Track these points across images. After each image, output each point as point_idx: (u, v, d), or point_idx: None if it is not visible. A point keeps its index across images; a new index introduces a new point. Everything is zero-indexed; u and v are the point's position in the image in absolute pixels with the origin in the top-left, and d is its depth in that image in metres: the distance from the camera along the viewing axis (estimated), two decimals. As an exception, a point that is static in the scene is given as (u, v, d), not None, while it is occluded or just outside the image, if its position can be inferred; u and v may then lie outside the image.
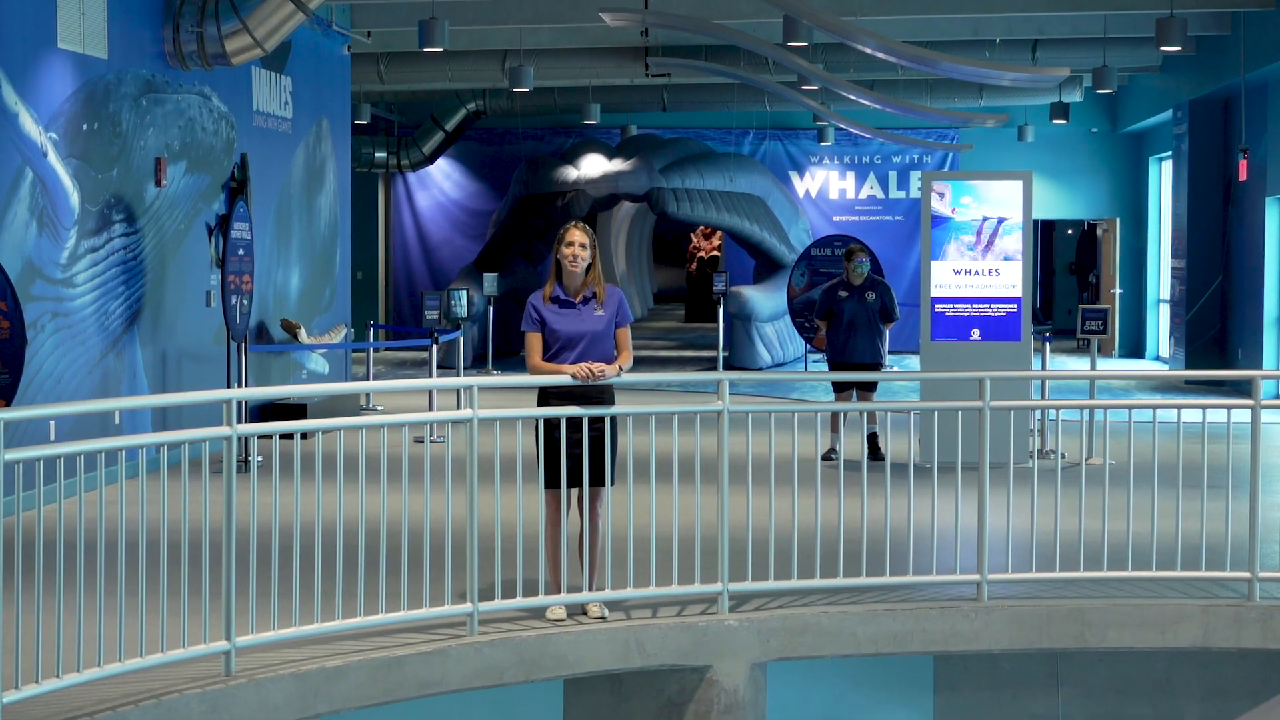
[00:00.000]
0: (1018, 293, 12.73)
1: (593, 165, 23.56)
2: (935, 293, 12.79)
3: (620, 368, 7.29)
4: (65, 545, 5.73)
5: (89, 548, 5.92)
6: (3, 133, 10.12)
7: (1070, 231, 33.31)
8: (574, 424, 7.24)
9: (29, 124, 10.42)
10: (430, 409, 13.93)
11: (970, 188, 12.76)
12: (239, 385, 12.36)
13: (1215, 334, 21.24)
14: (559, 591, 7.27)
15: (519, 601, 7.13)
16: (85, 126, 11.22)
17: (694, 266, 38.13)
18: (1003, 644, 7.56)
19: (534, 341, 7.35)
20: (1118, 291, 26.63)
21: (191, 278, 13.25)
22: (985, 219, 12.63)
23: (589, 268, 7.38)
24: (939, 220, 12.71)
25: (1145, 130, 26.14)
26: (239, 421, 6.29)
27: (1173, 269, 22.88)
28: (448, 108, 26.01)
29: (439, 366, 16.47)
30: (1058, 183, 27.02)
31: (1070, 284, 32.88)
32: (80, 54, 11.17)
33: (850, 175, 27.49)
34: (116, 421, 11.36)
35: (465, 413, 7.00)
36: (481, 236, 26.90)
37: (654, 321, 36.22)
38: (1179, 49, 16.43)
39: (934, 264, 12.77)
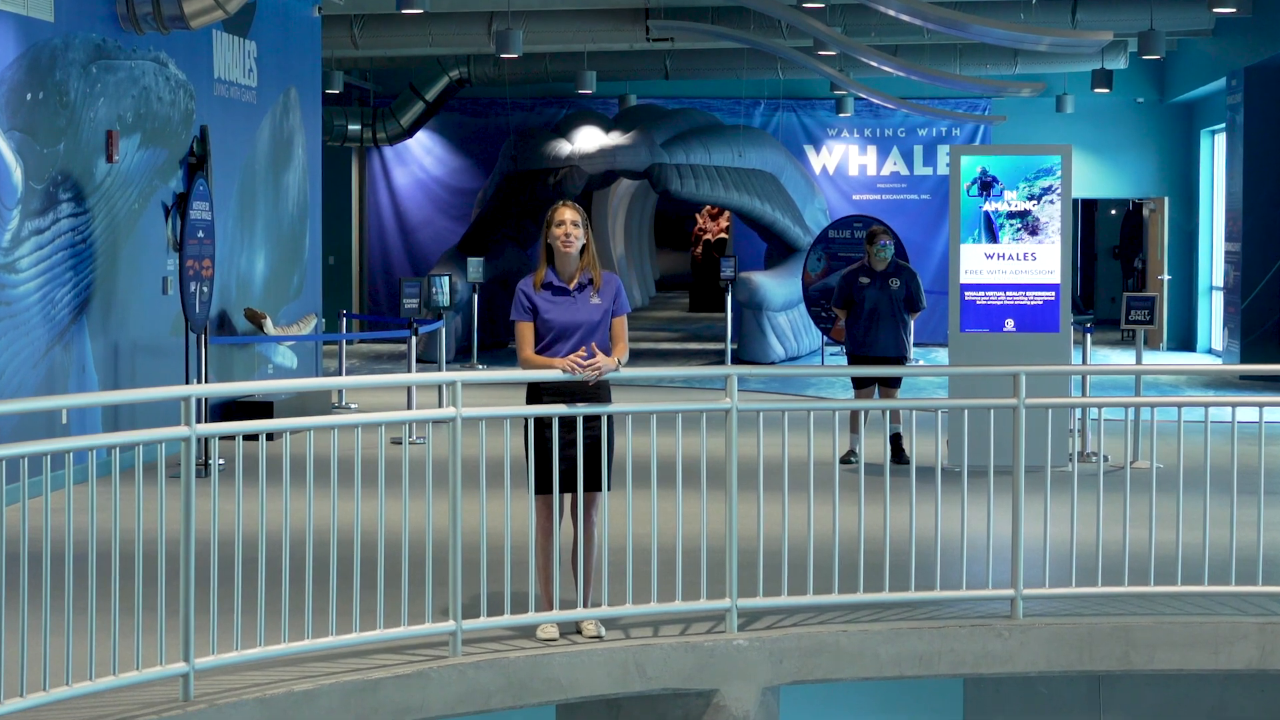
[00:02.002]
0: (1056, 279, 12.72)
1: (588, 139, 23.55)
2: (965, 279, 12.78)
3: (618, 361, 7.29)
4: (7, 557, 5.73)
5: (34, 559, 5.91)
6: (-62, 103, 10.12)
7: (1114, 212, 33.31)
8: (567, 423, 7.23)
9: (-33, 93, 10.41)
10: (409, 407, 13.93)
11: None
12: (198, 381, 12.36)
13: (1273, 324, 21.23)
14: (551, 608, 7.27)
15: (507, 619, 7.12)
16: (29, 96, 11.21)
17: (699, 250, 38.14)
18: (1039, 666, 7.56)
19: (525, 332, 7.35)
20: (1166, 278, 26.61)
21: (146, 263, 13.25)
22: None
23: (583, 250, 7.38)
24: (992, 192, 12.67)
25: (1196, 100, 26.13)
26: (198, 421, 6.28)
27: (1226, 253, 22.88)
28: (428, 76, 26.01)
29: (419, 360, 16.46)
30: (1100, 158, 27.02)
31: (1114, 269, 32.88)
32: (23, 16, 11.15)
33: (871, 150, 27.49)
34: (64, 421, 11.35)
35: (448, 411, 6.99)
36: (465, 217, 26.91)
37: (656, 311, 36.23)
38: (1233, 10, 16.43)
39: (964, 247, 12.76)
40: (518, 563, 7.33)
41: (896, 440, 12.51)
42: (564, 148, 23.53)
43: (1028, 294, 12.73)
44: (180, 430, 6.23)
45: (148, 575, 6.16)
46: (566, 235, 7.33)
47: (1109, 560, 7.81)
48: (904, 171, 27.40)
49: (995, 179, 12.68)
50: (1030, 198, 12.65)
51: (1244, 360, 21.12)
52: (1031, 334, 12.68)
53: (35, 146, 11.30)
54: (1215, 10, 16.26)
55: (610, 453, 7.35)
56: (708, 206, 36.49)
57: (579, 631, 7.29)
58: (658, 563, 7.39)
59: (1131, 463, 11.64)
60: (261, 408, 13.93)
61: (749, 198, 23.94)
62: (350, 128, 26.56)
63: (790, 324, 23.55)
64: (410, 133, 26.87)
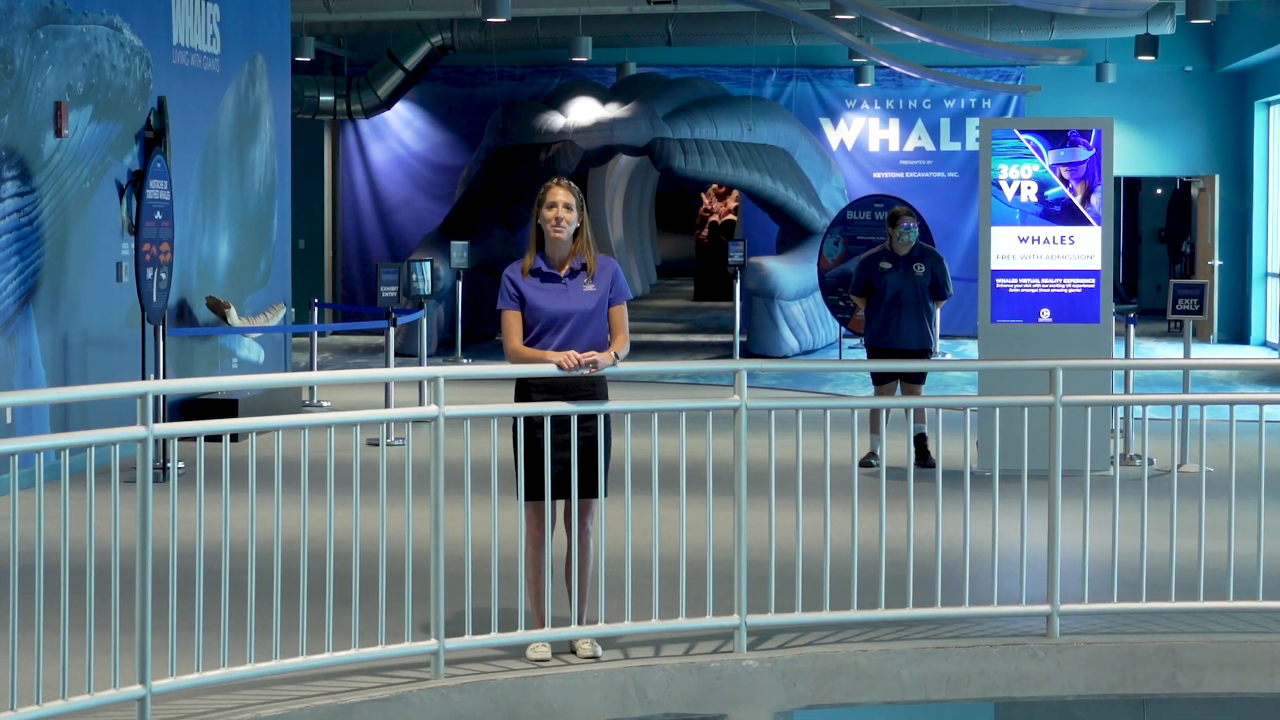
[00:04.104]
0: (1096, 265, 12.72)
1: (583, 111, 23.54)
2: (996, 265, 12.78)
3: (615, 355, 7.29)
4: (-54, 570, 5.73)
5: (-25, 573, 5.92)
6: None
7: (1160, 191, 33.31)
8: (560, 423, 7.23)
9: (-98, 61, 10.41)
10: (387, 405, 13.93)
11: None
12: (156, 376, 12.35)
13: (1334, 315, 21.24)
14: (542, 626, 7.26)
15: (494, 638, 7.13)
16: (-30, 64, 11.21)
17: (705, 233, 38.14)
18: (1078, 689, 7.56)
19: (512, 322, 7.35)
20: (1217, 263, 26.62)
21: (99, 247, 13.24)
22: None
23: (576, 233, 7.38)
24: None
25: (1250, 69, 26.11)
26: (156, 420, 6.28)
27: (1283, 236, 22.88)
28: (408, 42, 25.97)
29: (397, 354, 16.46)
30: (1144, 132, 27.01)
31: (1160, 254, 32.88)
32: (-36, -24, 11.15)
33: (894, 123, 27.47)
34: (8, 420, 11.34)
35: (429, 409, 6.99)
36: (448, 197, 26.90)
37: (657, 299, 36.24)
38: (1291, -30, 16.41)
39: (995, 230, 12.76)
40: (506, 576, 7.33)
41: (921, 441, 12.51)
42: (557, 121, 23.52)
43: (1065, 281, 12.73)
44: (136, 430, 6.23)
45: (100, 589, 6.15)
46: (558, 219, 7.32)
47: (1154, 573, 7.81)
48: (929, 147, 27.38)
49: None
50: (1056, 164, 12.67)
51: (1302, 354, 21.13)
52: (1069, 325, 12.68)
53: (-23, 119, 11.30)
54: (1271, -30, 16.28)
55: (607, 455, 7.35)
56: (714, 185, 36.48)
57: (573, 651, 7.29)
58: (659, 576, 7.39)
59: (1179, 466, 11.63)
60: (225, 406, 13.92)
61: (759, 175, 23.93)
62: (322, 99, 26.54)
63: (805, 314, 23.55)
64: (388, 104, 26.85)
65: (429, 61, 26.29)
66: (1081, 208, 12.67)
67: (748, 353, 22.42)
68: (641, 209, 37.82)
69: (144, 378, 12.49)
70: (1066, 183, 12.67)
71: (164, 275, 12.57)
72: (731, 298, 22.47)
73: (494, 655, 7.20)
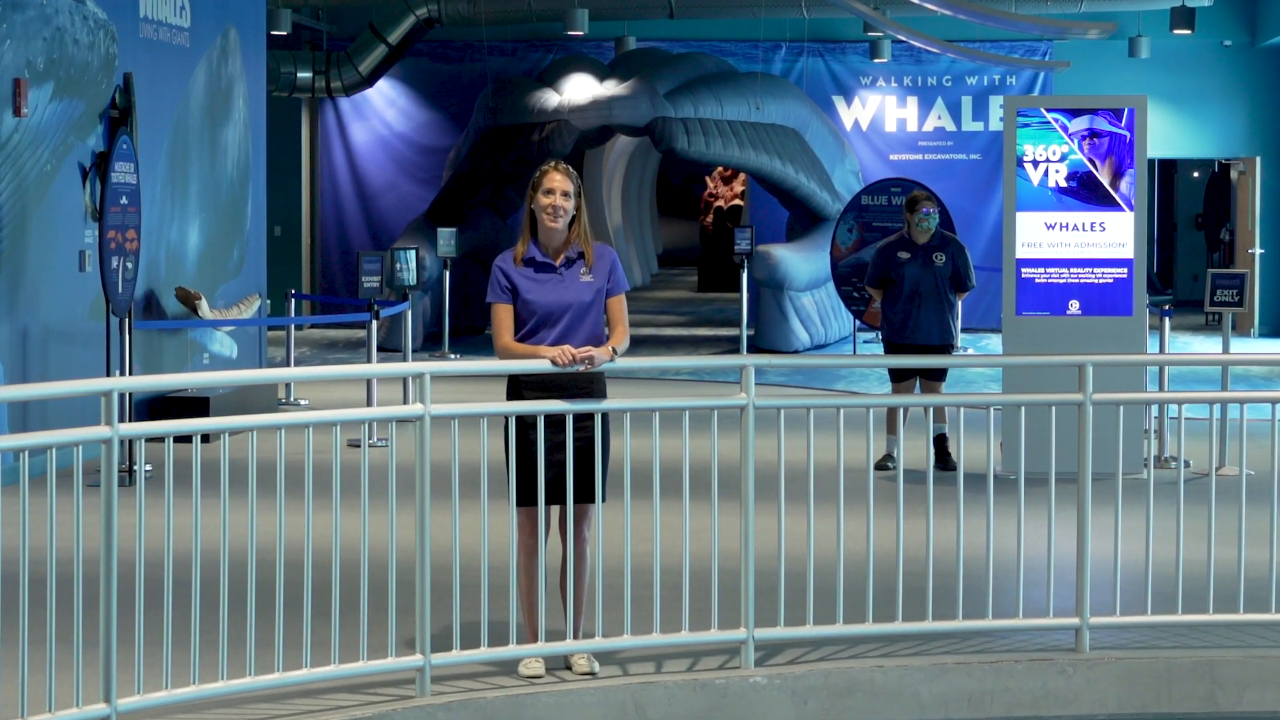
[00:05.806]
0: (1129, 253, 12.72)
1: (579, 89, 23.53)
2: (1022, 253, 12.78)
3: (614, 350, 7.28)
4: (-104, 580, 5.73)
5: (-73, 583, 5.92)
6: None
7: (1197, 174, 33.31)
8: (555, 423, 7.23)
9: None
10: (369, 403, 13.93)
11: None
12: (121, 373, 12.35)
13: (1383, 307, 21.25)
14: (535, 640, 7.27)
15: (483, 653, 7.13)
16: (-78, 38, 11.21)
17: (710, 219, 38.15)
18: (1109, 707, 7.56)
19: (503, 316, 7.34)
20: (1258, 252, 26.62)
21: (60, 234, 13.24)
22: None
23: (573, 221, 7.37)
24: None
25: (1293, 43, 26.12)
26: (122, 419, 6.27)
27: (1329, 223, 22.88)
28: (391, 14, 25.97)
29: (380, 349, 16.46)
30: (1180, 111, 27.00)
31: (1197, 242, 32.90)
32: (-85, -56, 11.15)
33: (912, 101, 27.47)
34: (-37, 420, 11.35)
35: (414, 408, 6.99)
36: (435, 181, 26.90)
37: (658, 290, 36.26)
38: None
39: (1021, 215, 12.75)
40: (497, 587, 7.33)
41: (941, 443, 12.51)
42: (551, 99, 23.51)
43: (1095, 271, 12.73)
44: (100, 430, 6.22)
45: (62, 601, 6.15)
46: (555, 208, 7.31)
47: (1190, 584, 7.81)
48: (950, 127, 27.38)
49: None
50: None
51: (1349, 349, 21.13)
52: (1100, 318, 12.68)
53: (-71, 97, 11.30)
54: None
55: (605, 458, 7.35)
56: (719, 168, 36.50)
57: (569, 667, 7.30)
58: (661, 587, 7.39)
59: (1217, 469, 11.63)
60: (195, 404, 13.91)
61: (768, 158, 23.92)
62: (300, 76, 26.53)
63: (816, 306, 23.55)
64: (370, 82, 26.84)
65: (414, 35, 26.28)
66: (1112, 190, 12.67)
67: (755, 347, 22.42)
68: (641, 194, 37.83)
69: (109, 374, 12.49)
70: (1090, 159, 12.66)
71: (130, 264, 12.56)
72: (738, 289, 22.49)
73: (483, 671, 7.20)
